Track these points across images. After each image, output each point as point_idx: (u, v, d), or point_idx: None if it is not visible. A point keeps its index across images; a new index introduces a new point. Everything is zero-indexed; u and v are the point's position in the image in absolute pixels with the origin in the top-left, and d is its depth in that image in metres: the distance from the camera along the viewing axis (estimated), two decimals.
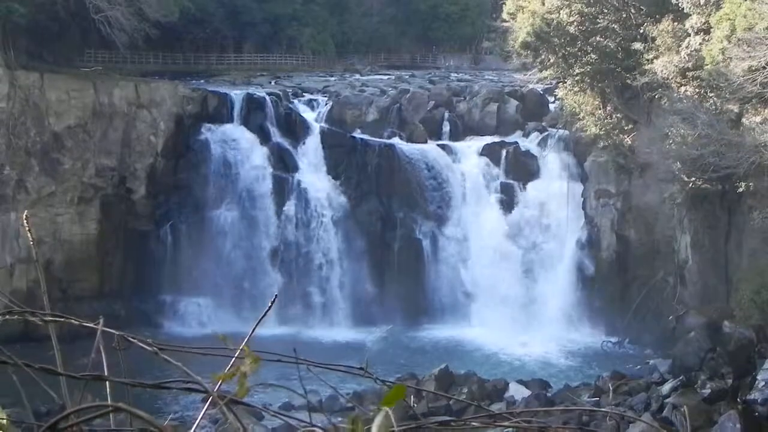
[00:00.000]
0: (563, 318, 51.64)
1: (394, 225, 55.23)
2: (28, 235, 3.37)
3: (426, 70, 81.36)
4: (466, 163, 55.90)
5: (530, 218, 54.18)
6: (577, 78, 49.52)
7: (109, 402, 2.34)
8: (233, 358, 2.54)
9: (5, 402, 3.01)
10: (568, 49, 48.57)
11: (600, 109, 50.17)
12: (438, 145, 56.95)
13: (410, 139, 56.90)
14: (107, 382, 2.52)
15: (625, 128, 49.16)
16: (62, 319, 2.68)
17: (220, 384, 2.49)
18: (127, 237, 53.91)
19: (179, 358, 2.67)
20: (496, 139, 57.09)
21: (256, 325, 2.76)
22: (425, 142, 56.99)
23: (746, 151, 38.07)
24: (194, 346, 2.69)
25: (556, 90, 54.17)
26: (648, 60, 45.27)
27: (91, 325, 2.62)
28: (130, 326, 44.67)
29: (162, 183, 54.64)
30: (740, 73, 37.66)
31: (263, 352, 2.60)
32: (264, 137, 56.09)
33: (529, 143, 56.64)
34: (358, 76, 74.44)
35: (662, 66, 43.97)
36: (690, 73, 43.13)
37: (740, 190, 40.09)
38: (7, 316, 2.65)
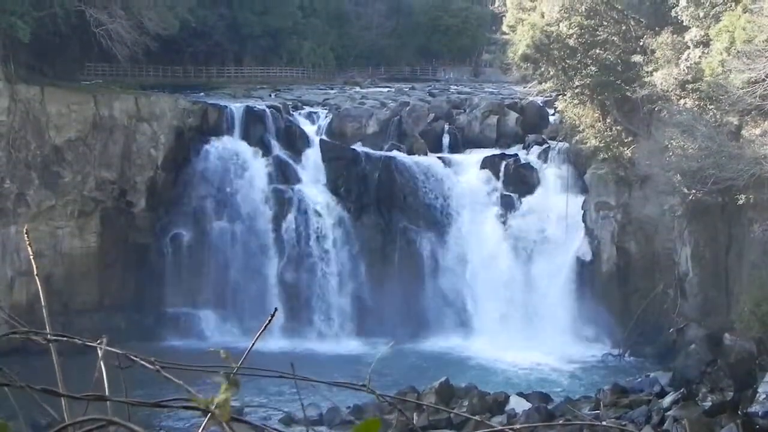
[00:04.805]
0: (564, 330, 51.54)
1: (394, 237, 55.21)
2: (28, 249, 3.37)
3: (426, 83, 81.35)
4: (466, 176, 55.85)
5: (530, 231, 54.10)
6: (576, 90, 49.57)
7: (106, 417, 2.37)
8: (232, 374, 2.54)
9: (3, 415, 3.02)
10: (568, 61, 48.64)
11: (600, 121, 50.21)
12: (438, 157, 56.93)
13: (410, 152, 56.84)
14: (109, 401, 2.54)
15: (625, 140, 49.18)
16: (64, 339, 2.69)
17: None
18: (127, 250, 53.91)
19: (180, 371, 2.67)
20: (496, 151, 57.04)
21: (255, 340, 2.76)
22: (425, 154, 56.95)
23: (746, 163, 38.09)
24: (196, 364, 2.69)
25: (556, 102, 54.25)
26: (648, 72, 45.32)
27: (94, 344, 2.63)
28: (131, 339, 44.64)
29: (162, 196, 54.67)
30: (740, 86, 37.71)
31: (263, 369, 2.60)
32: (264, 150, 56.12)
33: (529, 156, 56.60)
34: (358, 88, 74.51)
35: (662, 78, 44.01)
36: (689, 86, 43.17)
37: (740, 202, 40.08)
38: (10, 335, 2.65)
